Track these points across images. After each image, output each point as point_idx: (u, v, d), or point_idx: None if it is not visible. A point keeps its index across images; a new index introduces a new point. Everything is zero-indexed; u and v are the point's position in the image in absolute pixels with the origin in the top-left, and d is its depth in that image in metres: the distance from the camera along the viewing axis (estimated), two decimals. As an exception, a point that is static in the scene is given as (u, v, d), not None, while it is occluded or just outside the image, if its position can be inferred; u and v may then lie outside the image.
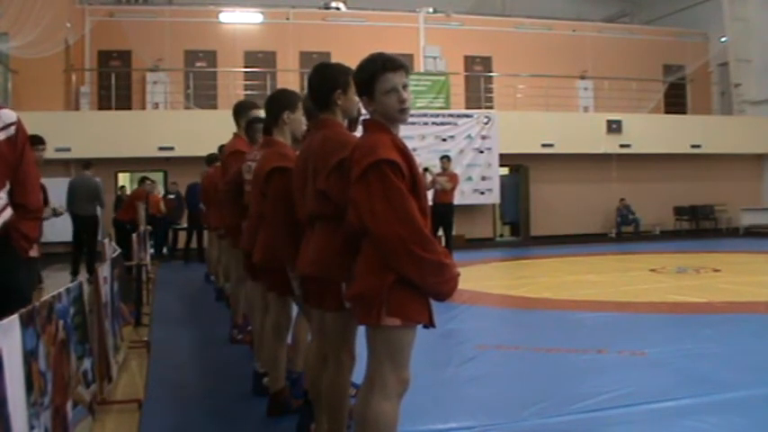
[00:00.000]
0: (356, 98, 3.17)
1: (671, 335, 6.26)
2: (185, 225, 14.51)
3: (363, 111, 3.59)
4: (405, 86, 2.61)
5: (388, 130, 2.63)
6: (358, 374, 2.89)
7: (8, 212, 2.87)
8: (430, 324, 2.62)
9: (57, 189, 8.94)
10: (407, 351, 2.60)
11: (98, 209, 10.50)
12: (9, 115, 2.92)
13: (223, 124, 9.01)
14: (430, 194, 11.78)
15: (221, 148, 7.84)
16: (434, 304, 2.64)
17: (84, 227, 10.24)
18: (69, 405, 2.99)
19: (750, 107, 19.66)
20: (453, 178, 12.54)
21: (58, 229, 9.70)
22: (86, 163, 10.76)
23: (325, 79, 3.12)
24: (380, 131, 2.62)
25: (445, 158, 12.83)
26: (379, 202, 2.47)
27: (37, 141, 5.90)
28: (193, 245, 14.15)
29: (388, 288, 2.50)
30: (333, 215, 2.90)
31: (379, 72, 2.59)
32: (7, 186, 2.89)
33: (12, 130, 2.89)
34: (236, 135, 5.66)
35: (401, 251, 2.45)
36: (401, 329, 2.54)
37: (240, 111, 5.56)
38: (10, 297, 2.75)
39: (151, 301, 8.73)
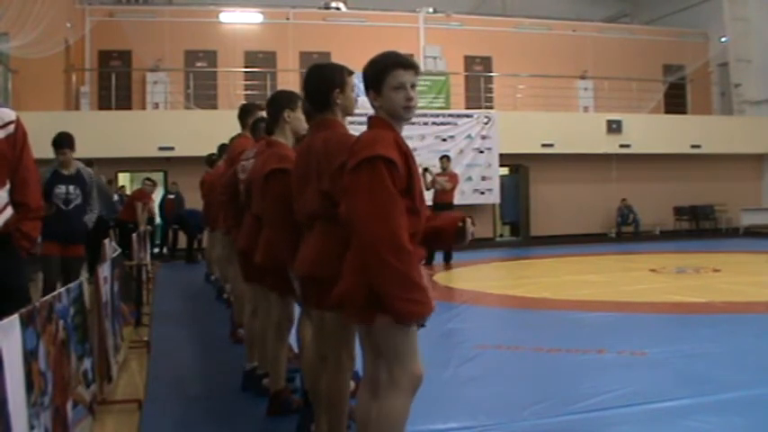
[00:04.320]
0: (352, 96, 3.18)
1: (671, 335, 6.26)
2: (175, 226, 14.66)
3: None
4: (413, 86, 2.62)
5: (391, 128, 2.62)
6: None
7: (9, 211, 2.86)
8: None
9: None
10: (412, 345, 2.55)
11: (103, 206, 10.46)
12: (8, 114, 2.91)
13: (223, 124, 9.03)
14: (430, 194, 11.79)
15: (221, 147, 7.86)
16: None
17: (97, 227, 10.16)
18: (69, 405, 2.98)
19: (750, 107, 19.65)
20: (453, 178, 12.53)
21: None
22: (87, 162, 10.71)
23: (323, 79, 3.12)
24: (384, 128, 2.61)
25: (445, 158, 12.82)
26: (362, 198, 2.45)
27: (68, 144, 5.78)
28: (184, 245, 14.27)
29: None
30: (333, 216, 2.90)
31: (391, 67, 2.59)
32: (7, 185, 2.88)
33: (11, 128, 2.88)
34: (240, 135, 5.68)
35: (371, 252, 2.41)
36: (397, 326, 2.50)
37: (246, 112, 5.58)
38: (11, 296, 2.74)
39: (151, 301, 8.73)
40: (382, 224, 2.41)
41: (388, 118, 2.63)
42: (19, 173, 2.92)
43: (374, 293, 2.45)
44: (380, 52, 2.68)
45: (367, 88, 2.66)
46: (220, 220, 6.07)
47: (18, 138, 2.90)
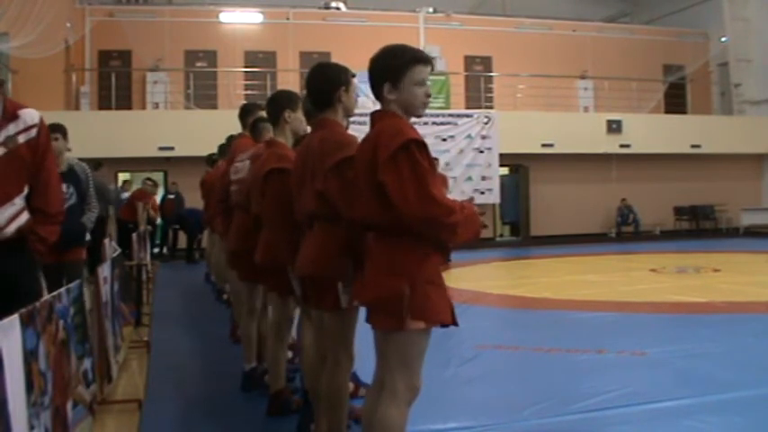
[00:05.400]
0: (354, 97, 3.17)
1: (671, 335, 6.26)
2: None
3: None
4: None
5: (404, 119, 2.57)
6: (366, 374, 2.88)
7: (24, 217, 2.78)
8: (453, 323, 2.55)
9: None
10: (421, 357, 2.53)
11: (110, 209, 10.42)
12: (32, 116, 2.80)
13: (223, 124, 9.02)
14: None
15: (221, 147, 7.85)
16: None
17: (96, 227, 10.12)
18: (69, 405, 2.98)
19: (750, 107, 19.65)
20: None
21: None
22: (97, 163, 10.67)
23: (328, 77, 3.11)
24: (399, 118, 2.56)
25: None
26: (411, 185, 2.40)
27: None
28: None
29: (414, 290, 2.43)
30: (331, 215, 2.90)
31: (414, 62, 2.53)
32: (25, 191, 2.79)
33: (33, 132, 2.78)
34: (242, 135, 5.67)
35: (438, 227, 2.44)
36: (419, 334, 2.47)
37: (247, 111, 5.56)
38: (23, 299, 2.69)
39: (151, 301, 8.73)
40: (437, 204, 2.40)
41: (400, 112, 2.57)
42: (41, 178, 2.83)
43: (408, 298, 2.41)
44: (395, 44, 2.59)
45: (383, 80, 2.55)
46: (218, 222, 6.06)
47: (40, 142, 2.80)
